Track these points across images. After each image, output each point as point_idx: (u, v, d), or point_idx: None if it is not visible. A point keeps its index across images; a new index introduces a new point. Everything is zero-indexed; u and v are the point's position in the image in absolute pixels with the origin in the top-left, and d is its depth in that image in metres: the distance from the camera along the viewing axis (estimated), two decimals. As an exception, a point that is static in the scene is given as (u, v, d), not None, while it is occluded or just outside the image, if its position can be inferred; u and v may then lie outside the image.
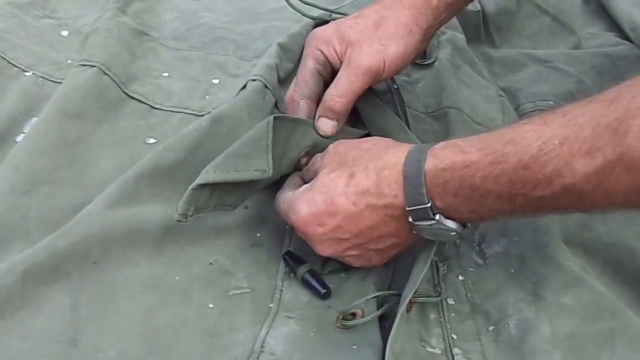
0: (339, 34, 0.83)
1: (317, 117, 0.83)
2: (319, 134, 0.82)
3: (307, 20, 1.07)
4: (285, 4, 1.01)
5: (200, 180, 0.69)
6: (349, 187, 0.69)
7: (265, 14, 1.19)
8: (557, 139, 0.58)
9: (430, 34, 0.87)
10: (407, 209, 0.66)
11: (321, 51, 0.83)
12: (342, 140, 0.77)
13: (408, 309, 0.70)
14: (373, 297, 0.71)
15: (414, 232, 0.69)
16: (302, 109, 0.85)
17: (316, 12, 1.07)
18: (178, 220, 0.70)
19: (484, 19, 1.15)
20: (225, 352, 0.68)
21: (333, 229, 0.70)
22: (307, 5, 1.05)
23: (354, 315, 0.70)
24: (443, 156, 0.65)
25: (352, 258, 0.74)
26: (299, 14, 1.05)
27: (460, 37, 1.06)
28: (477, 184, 0.63)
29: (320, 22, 1.07)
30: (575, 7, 1.22)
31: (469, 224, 0.69)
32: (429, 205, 0.65)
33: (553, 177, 0.58)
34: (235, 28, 1.14)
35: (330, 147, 0.75)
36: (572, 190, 0.58)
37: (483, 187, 0.63)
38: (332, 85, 0.82)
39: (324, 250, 0.72)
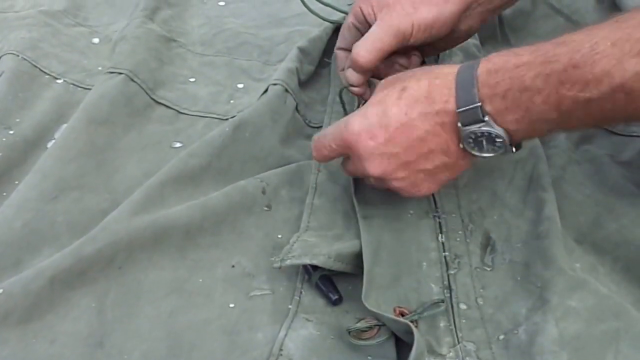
0: None
1: (345, 67, 0.82)
2: (348, 84, 0.81)
3: (328, 24, 1.05)
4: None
5: (314, 260, 0.70)
6: (401, 98, 0.67)
7: (289, 18, 1.17)
8: (609, 40, 0.57)
9: (476, 10, 0.83)
10: (457, 110, 0.64)
11: (360, 9, 0.81)
12: (396, 74, 0.74)
13: (415, 325, 0.67)
14: (382, 322, 0.68)
15: (462, 146, 0.66)
16: (338, 59, 0.86)
17: (336, 17, 1.05)
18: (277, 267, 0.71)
19: (500, 20, 1.12)
20: (245, 352, 0.66)
21: (384, 141, 0.67)
22: (326, 9, 1.02)
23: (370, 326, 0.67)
24: (496, 59, 0.63)
25: (400, 182, 0.71)
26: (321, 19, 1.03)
27: (473, 42, 1.03)
28: (526, 83, 0.61)
29: (340, 26, 1.04)
30: (589, 5, 1.18)
31: (513, 148, 0.67)
32: (479, 104, 0.63)
33: (602, 76, 0.57)
34: (260, 33, 1.13)
35: (384, 80, 0.73)
36: (621, 89, 0.57)
37: (532, 86, 0.61)
38: (360, 39, 0.79)
39: (374, 168, 0.69)
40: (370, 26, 0.80)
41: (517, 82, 0.61)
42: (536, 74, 0.60)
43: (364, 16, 0.81)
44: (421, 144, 0.67)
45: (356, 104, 0.89)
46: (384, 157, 0.69)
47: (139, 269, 0.73)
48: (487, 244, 0.75)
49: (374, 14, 0.80)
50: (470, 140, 0.65)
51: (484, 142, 0.65)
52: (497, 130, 0.64)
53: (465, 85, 0.64)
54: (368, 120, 0.68)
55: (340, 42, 0.86)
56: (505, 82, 0.62)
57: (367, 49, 0.78)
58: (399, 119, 0.67)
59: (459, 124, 0.65)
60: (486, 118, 0.63)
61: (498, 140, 0.64)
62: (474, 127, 0.64)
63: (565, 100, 0.60)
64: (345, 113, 0.88)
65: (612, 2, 1.18)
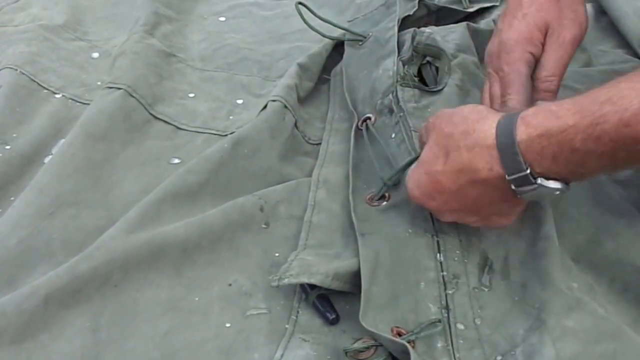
0: (535, 25, 0.78)
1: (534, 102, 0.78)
2: None
3: (328, 40, 1.04)
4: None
5: (312, 279, 0.68)
6: (446, 166, 0.67)
7: (290, 34, 1.16)
8: None
9: None
10: (507, 177, 0.63)
11: (531, 53, 0.78)
12: (442, 111, 0.73)
13: (413, 346, 0.65)
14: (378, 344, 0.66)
15: (519, 196, 0.66)
16: None
17: (336, 33, 1.05)
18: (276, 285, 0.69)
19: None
20: (240, 375, 0.65)
21: (444, 202, 0.70)
22: (326, 25, 1.02)
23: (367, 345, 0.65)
24: (536, 123, 0.61)
25: (475, 223, 0.73)
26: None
27: (472, 59, 1.01)
28: (576, 146, 0.60)
29: (339, 42, 1.05)
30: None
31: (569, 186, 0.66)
32: (528, 172, 0.62)
33: None
34: (260, 49, 1.11)
35: (432, 118, 0.73)
36: None
37: (583, 148, 0.59)
38: (541, 68, 0.78)
39: (445, 219, 0.73)
40: (536, 61, 0.79)
41: (566, 146, 0.60)
42: (585, 137, 0.59)
43: (534, 57, 0.78)
44: (479, 201, 0.69)
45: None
46: (452, 212, 0.71)
47: (134, 287, 0.71)
48: (485, 264, 0.74)
49: (543, 47, 0.78)
50: (528, 196, 0.65)
51: (543, 194, 0.64)
52: (552, 186, 0.63)
53: (508, 154, 0.63)
54: (424, 187, 0.70)
55: (522, 96, 0.77)
56: (553, 147, 0.61)
57: (554, 73, 0.77)
58: (450, 187, 0.68)
59: (513, 187, 0.64)
60: (539, 180, 0.63)
61: (556, 191, 0.64)
62: (528, 188, 0.64)
63: (620, 153, 0.59)
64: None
65: (610, 20, 1.17)
